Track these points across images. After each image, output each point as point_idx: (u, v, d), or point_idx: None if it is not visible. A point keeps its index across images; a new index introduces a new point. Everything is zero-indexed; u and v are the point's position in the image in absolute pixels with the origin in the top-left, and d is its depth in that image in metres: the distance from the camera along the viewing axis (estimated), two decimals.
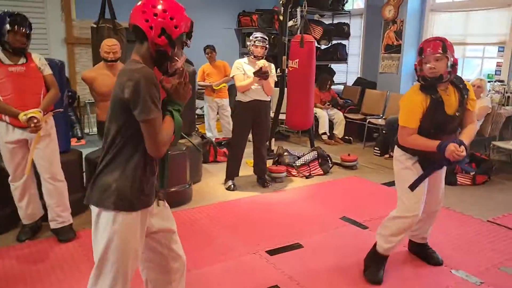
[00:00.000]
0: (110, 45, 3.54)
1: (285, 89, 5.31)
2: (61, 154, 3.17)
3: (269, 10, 8.13)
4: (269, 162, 4.80)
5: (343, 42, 7.88)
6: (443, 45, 2.38)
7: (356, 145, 6.58)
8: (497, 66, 5.75)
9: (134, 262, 1.70)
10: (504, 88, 5.31)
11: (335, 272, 2.79)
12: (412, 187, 2.51)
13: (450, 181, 4.52)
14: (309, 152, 5.11)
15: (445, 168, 2.72)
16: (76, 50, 6.77)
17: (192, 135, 4.96)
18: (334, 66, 8.11)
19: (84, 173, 3.95)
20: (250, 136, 4.45)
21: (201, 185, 4.55)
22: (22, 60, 2.90)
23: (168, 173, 1.80)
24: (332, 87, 7.18)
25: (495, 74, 5.72)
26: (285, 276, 2.71)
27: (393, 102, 6.29)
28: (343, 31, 7.79)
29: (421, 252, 2.93)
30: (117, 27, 4.16)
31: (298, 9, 5.53)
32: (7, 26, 2.78)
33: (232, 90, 6.69)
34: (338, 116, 6.72)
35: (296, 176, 4.86)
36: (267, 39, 4.24)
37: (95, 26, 4.19)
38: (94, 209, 1.65)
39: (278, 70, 5.03)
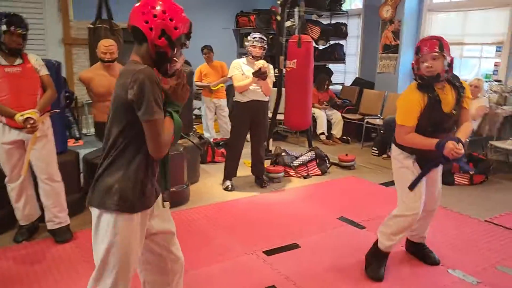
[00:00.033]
0: (107, 45, 3.54)
1: (283, 89, 5.31)
2: (58, 155, 3.16)
3: (266, 10, 8.13)
4: (267, 162, 4.80)
5: (341, 42, 7.89)
6: (440, 44, 2.40)
7: (354, 145, 6.59)
8: (494, 66, 5.75)
9: (134, 264, 1.70)
10: (502, 88, 5.32)
11: (332, 272, 2.78)
12: (411, 186, 2.53)
13: (448, 181, 4.52)
14: (307, 152, 5.11)
15: (441, 167, 2.73)
16: (74, 50, 6.77)
17: (190, 135, 4.96)
18: (332, 66, 8.12)
19: (82, 174, 3.94)
20: (248, 136, 4.45)
21: (198, 185, 4.55)
22: (19, 61, 2.90)
23: (169, 174, 1.80)
24: (330, 87, 7.18)
25: (493, 74, 5.73)
26: (282, 276, 2.71)
27: (391, 102, 6.30)
28: (341, 31, 7.79)
29: (418, 252, 2.93)
30: (114, 28, 4.15)
31: (296, 9, 5.54)
32: (3, 27, 2.77)
33: (230, 90, 6.71)
34: (336, 116, 6.72)
35: (294, 176, 4.86)
36: (265, 39, 4.24)
37: (92, 26, 4.18)
38: (94, 211, 1.65)
39: (276, 71, 5.03)
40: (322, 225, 3.51)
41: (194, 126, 5.97)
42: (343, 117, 6.75)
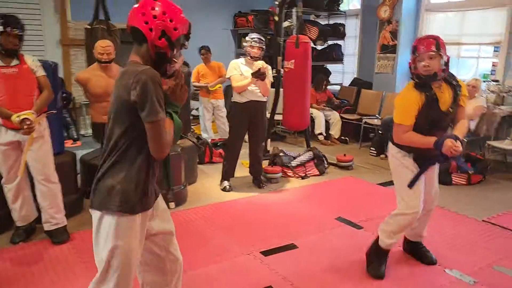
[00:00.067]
0: (104, 46, 3.53)
1: (281, 89, 5.31)
2: (55, 155, 3.16)
3: (264, 10, 8.14)
4: (264, 163, 4.80)
5: (339, 42, 7.89)
6: (437, 43, 2.41)
7: (352, 145, 6.59)
8: (492, 66, 5.76)
9: (135, 265, 1.70)
10: (499, 88, 5.32)
11: (330, 272, 2.78)
12: (410, 184, 2.54)
13: (445, 180, 4.53)
14: (304, 153, 5.11)
15: (438, 167, 2.74)
16: (72, 51, 6.76)
17: (187, 136, 4.95)
18: (330, 66, 8.12)
19: (79, 175, 3.94)
20: (245, 136, 4.45)
21: (196, 186, 4.55)
22: (15, 62, 2.90)
23: (171, 174, 1.81)
24: (328, 87, 7.18)
25: (491, 74, 5.73)
26: (279, 276, 2.71)
27: (389, 102, 6.30)
28: (338, 32, 7.80)
29: (416, 252, 2.93)
30: (111, 28, 4.15)
31: (294, 10, 5.54)
32: None
33: (228, 91, 6.71)
34: (334, 116, 6.72)
35: (291, 177, 4.86)
36: (264, 40, 4.24)
37: (89, 27, 4.18)
38: (95, 214, 1.64)
39: (274, 71, 5.03)
40: (320, 226, 3.51)
41: (192, 127, 5.97)
42: (341, 117, 6.75)
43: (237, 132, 4.34)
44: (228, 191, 4.36)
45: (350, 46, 7.96)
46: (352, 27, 7.86)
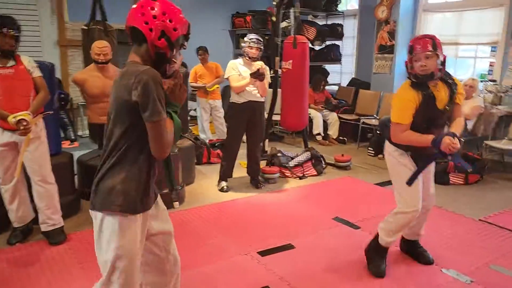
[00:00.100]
0: (100, 47, 3.53)
1: (279, 90, 5.31)
2: (52, 156, 3.16)
3: (262, 11, 8.14)
4: (262, 163, 4.80)
5: (337, 42, 7.90)
6: (433, 43, 2.42)
7: (350, 145, 6.59)
8: (489, 66, 5.77)
9: (139, 265, 1.70)
10: (497, 88, 5.33)
11: (326, 272, 2.78)
12: (409, 182, 2.54)
13: (443, 180, 4.54)
14: (302, 153, 5.11)
15: (434, 166, 2.74)
16: (69, 52, 6.75)
17: (185, 136, 4.95)
18: (328, 66, 8.13)
19: (76, 176, 3.93)
20: (243, 137, 4.45)
21: (194, 186, 4.54)
22: (11, 63, 2.89)
23: (173, 174, 1.81)
24: (327, 87, 7.18)
25: (488, 74, 5.75)
26: (276, 276, 2.71)
27: (387, 102, 6.30)
28: (336, 32, 7.81)
29: (413, 251, 2.94)
30: (108, 29, 4.15)
31: (292, 10, 5.54)
32: None
33: (226, 92, 6.71)
34: (332, 116, 6.73)
35: (289, 177, 4.86)
36: (262, 40, 4.25)
37: (86, 28, 4.18)
38: (97, 215, 1.63)
39: (272, 71, 5.04)
40: (317, 226, 3.51)
41: (190, 127, 5.97)
42: (339, 117, 6.75)
43: (235, 133, 4.34)
44: (226, 191, 4.35)
45: (348, 46, 7.97)
46: (350, 27, 7.87)
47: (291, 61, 4.89)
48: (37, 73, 3.00)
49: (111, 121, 1.60)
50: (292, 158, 5.03)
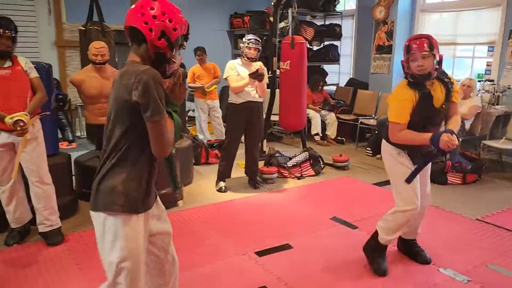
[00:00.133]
0: (98, 47, 3.53)
1: (277, 90, 5.32)
2: (49, 157, 3.16)
3: (260, 11, 8.15)
4: (260, 163, 4.80)
5: (335, 43, 7.90)
6: (430, 43, 2.42)
7: (348, 145, 6.60)
8: (487, 65, 5.78)
9: (144, 264, 1.69)
10: (494, 88, 5.34)
11: (324, 272, 2.79)
12: (408, 180, 2.54)
13: (441, 180, 4.55)
14: (300, 153, 5.11)
15: (430, 166, 2.75)
16: (67, 53, 6.76)
17: (183, 136, 4.95)
18: (326, 67, 8.13)
19: (74, 176, 3.93)
20: (242, 137, 4.45)
21: (192, 186, 4.54)
22: (8, 64, 2.89)
23: (176, 173, 1.82)
24: (325, 88, 7.19)
25: (485, 73, 5.76)
26: (274, 277, 2.71)
27: (385, 103, 6.30)
28: (334, 32, 7.80)
29: (410, 251, 2.94)
30: (105, 30, 4.15)
31: (289, 10, 5.54)
32: None
33: (224, 92, 6.71)
34: (331, 116, 6.73)
35: (287, 177, 4.86)
36: (260, 41, 4.25)
37: (83, 28, 4.18)
38: (99, 216, 1.61)
39: (269, 72, 5.04)
40: (315, 226, 3.52)
41: (188, 128, 5.97)
42: (338, 117, 6.76)
43: (234, 133, 4.34)
44: (224, 191, 4.35)
45: (347, 46, 7.97)
46: (348, 27, 7.87)
47: (289, 61, 4.90)
48: (34, 74, 3.00)
49: (111, 121, 1.59)
50: (290, 158, 5.04)
